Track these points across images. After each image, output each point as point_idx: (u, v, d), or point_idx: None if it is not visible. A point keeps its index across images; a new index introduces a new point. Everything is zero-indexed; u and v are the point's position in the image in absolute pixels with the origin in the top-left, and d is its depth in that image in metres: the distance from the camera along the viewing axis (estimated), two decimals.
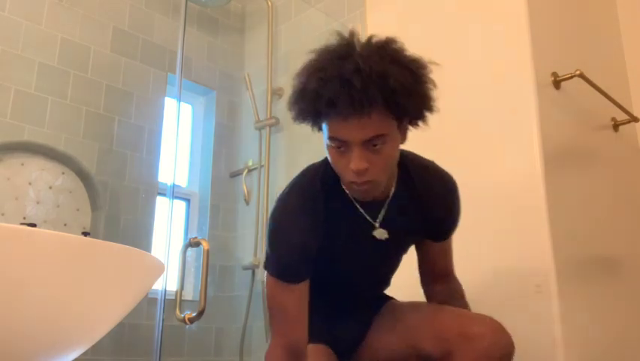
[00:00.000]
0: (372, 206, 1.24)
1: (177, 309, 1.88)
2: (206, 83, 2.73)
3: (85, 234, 2.09)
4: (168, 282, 1.88)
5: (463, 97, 1.84)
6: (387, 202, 1.24)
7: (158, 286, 1.82)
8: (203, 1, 2.71)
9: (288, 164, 2.53)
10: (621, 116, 2.08)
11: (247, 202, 2.60)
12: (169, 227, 1.93)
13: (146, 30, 2.48)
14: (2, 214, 1.94)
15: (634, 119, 2.09)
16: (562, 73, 1.77)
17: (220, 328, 2.49)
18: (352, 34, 1.12)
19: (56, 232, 0.88)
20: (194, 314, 1.86)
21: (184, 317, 1.87)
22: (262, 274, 2.30)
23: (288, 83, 2.70)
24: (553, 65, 1.78)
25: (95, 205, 2.17)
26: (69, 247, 0.89)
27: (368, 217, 1.24)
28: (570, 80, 1.78)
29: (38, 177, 2.05)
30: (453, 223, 1.33)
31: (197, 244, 1.96)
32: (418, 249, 1.38)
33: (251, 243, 2.49)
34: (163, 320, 1.84)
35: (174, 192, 2.10)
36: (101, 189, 2.19)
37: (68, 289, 0.90)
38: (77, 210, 2.13)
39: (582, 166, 1.84)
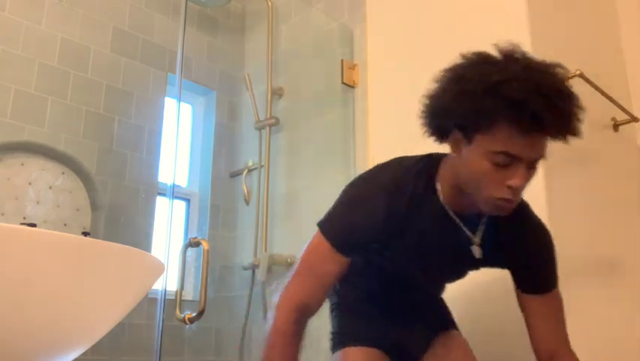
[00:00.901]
0: (469, 221, 1.21)
1: (177, 309, 1.88)
2: (206, 83, 2.73)
3: (85, 234, 2.09)
4: (168, 282, 1.88)
5: None
6: (484, 221, 1.22)
7: (158, 286, 1.82)
8: (203, 1, 2.71)
9: (288, 164, 2.53)
10: (621, 116, 2.08)
11: (247, 202, 2.60)
12: (169, 227, 1.93)
13: (146, 30, 2.48)
14: (2, 214, 1.94)
15: (634, 119, 2.09)
16: None
17: (220, 328, 2.49)
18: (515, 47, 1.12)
19: (56, 232, 0.88)
20: (194, 314, 1.86)
21: (184, 317, 1.87)
22: (262, 274, 2.31)
23: (288, 83, 2.71)
24: None
25: (95, 205, 2.17)
26: (69, 247, 0.89)
27: (467, 231, 1.21)
28: (570, 80, 1.77)
29: (38, 177, 2.05)
30: (551, 273, 1.27)
31: (197, 244, 1.96)
32: (522, 310, 1.30)
33: (251, 243, 2.49)
34: (163, 320, 1.84)
35: (174, 192, 2.10)
36: (101, 189, 2.19)
37: (68, 289, 0.90)
38: (77, 210, 2.13)
39: (582, 166, 1.84)
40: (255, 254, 2.44)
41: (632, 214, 2.06)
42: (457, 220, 1.20)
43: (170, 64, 2.48)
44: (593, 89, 1.84)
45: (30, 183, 2.03)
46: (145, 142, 2.37)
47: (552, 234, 1.55)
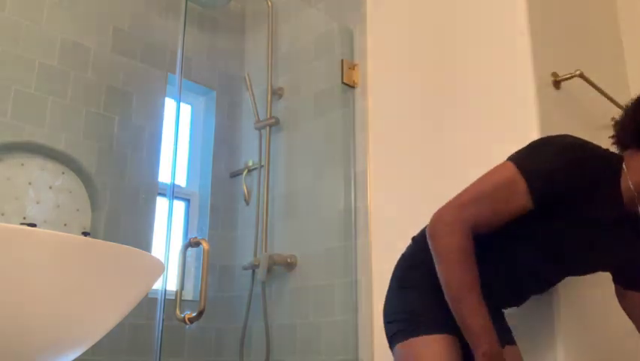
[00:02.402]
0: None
1: (177, 309, 1.88)
2: (206, 83, 2.73)
3: (85, 234, 2.09)
4: (168, 282, 1.88)
5: (463, 97, 1.84)
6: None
7: (158, 286, 1.82)
8: (203, 1, 2.71)
9: (288, 164, 2.53)
10: None
11: (247, 202, 2.60)
12: (169, 227, 1.93)
13: (146, 30, 2.48)
14: (2, 214, 1.94)
15: None
16: (562, 73, 1.77)
17: (220, 328, 2.49)
18: None
19: (56, 232, 0.88)
20: (194, 314, 1.86)
21: (184, 317, 1.87)
22: (262, 274, 2.31)
23: (288, 83, 2.71)
24: (553, 65, 1.78)
25: (95, 205, 2.17)
26: (69, 247, 0.89)
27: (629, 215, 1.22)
28: (570, 80, 1.78)
29: (38, 177, 2.05)
30: None
31: (197, 244, 1.96)
32: (625, 306, 1.41)
33: (251, 243, 2.49)
34: (163, 320, 1.84)
35: (174, 192, 2.10)
36: (101, 189, 2.19)
37: (68, 289, 0.90)
38: (77, 210, 2.13)
39: None
40: (255, 254, 2.44)
41: None
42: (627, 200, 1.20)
43: (170, 64, 2.48)
44: (593, 89, 1.84)
45: (30, 183, 2.03)
46: (145, 142, 2.37)
47: None
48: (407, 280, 1.32)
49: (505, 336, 1.35)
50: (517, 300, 1.38)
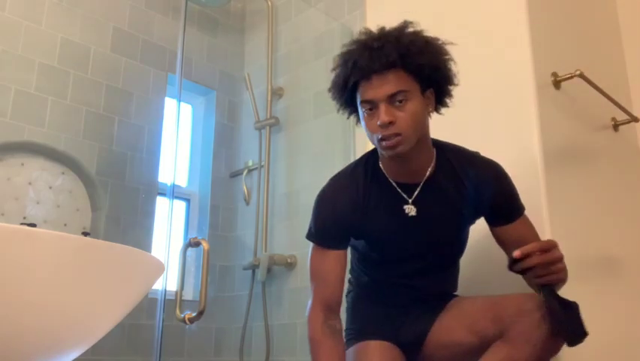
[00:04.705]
0: (409, 187, 1.37)
1: (177, 309, 1.88)
2: (206, 83, 2.73)
3: (85, 234, 2.09)
4: (168, 282, 1.88)
5: (462, 97, 1.83)
6: (421, 184, 1.36)
7: (158, 286, 1.82)
8: (203, 1, 2.71)
9: (288, 164, 2.53)
10: (621, 116, 2.08)
11: (247, 202, 2.60)
12: (169, 227, 1.93)
13: (146, 30, 2.48)
14: (2, 214, 1.94)
15: (634, 119, 2.09)
16: (562, 73, 1.77)
17: (220, 328, 2.49)
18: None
19: (56, 232, 0.88)
20: (194, 314, 1.86)
21: (184, 317, 1.87)
22: (262, 274, 2.31)
23: (288, 83, 2.71)
24: (553, 65, 1.78)
25: (95, 205, 2.17)
26: (69, 247, 0.89)
27: (403, 194, 1.36)
28: (570, 80, 1.78)
29: (38, 177, 2.05)
30: (515, 200, 1.41)
31: (197, 244, 1.96)
32: (500, 241, 1.42)
33: (251, 243, 2.49)
34: (163, 320, 1.84)
35: (174, 192, 2.10)
36: (101, 189, 2.19)
37: (68, 289, 0.90)
38: (77, 210, 2.13)
39: (582, 166, 1.84)
40: (255, 254, 2.44)
41: (632, 214, 2.06)
42: (397, 188, 1.36)
43: (170, 64, 2.48)
44: (593, 89, 1.84)
45: (30, 183, 2.03)
46: (145, 142, 2.37)
47: (552, 234, 1.55)
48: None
49: (440, 305, 1.46)
50: (419, 283, 1.47)
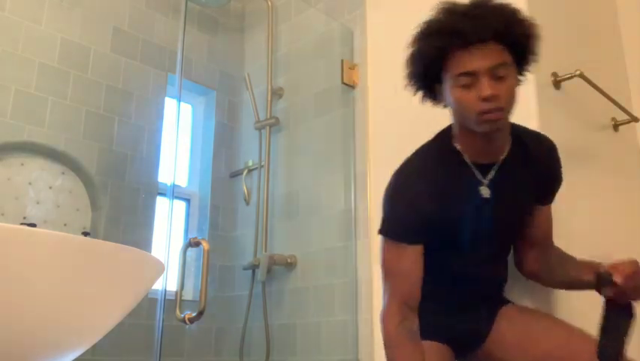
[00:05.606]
0: (485, 167, 1.32)
1: (177, 309, 1.88)
2: (206, 83, 2.73)
3: (85, 234, 2.09)
4: (168, 282, 1.88)
5: None
6: (497, 165, 1.32)
7: (158, 286, 1.82)
8: (203, 1, 2.71)
9: (288, 164, 2.53)
10: (621, 116, 2.08)
11: (247, 202, 2.60)
12: (169, 227, 1.93)
13: (146, 30, 2.48)
14: (2, 214, 1.94)
15: (634, 119, 2.09)
16: (562, 73, 1.77)
17: (220, 328, 2.49)
18: None
19: (56, 232, 0.88)
20: (194, 314, 1.86)
21: (184, 317, 1.87)
22: (262, 274, 2.31)
23: (288, 83, 2.71)
24: (553, 65, 1.78)
25: (95, 205, 2.17)
26: (69, 247, 0.89)
27: (479, 175, 1.32)
28: (570, 80, 1.78)
29: (38, 177, 2.05)
30: (560, 183, 1.43)
31: (197, 244, 1.96)
32: (524, 221, 1.41)
33: (251, 243, 2.49)
34: (163, 320, 1.84)
35: (174, 192, 2.10)
36: (101, 189, 2.19)
37: (68, 289, 0.90)
38: (77, 210, 2.13)
39: (582, 166, 1.84)
40: (255, 254, 2.44)
41: (632, 214, 2.06)
42: (473, 168, 1.31)
43: (170, 64, 2.48)
44: (593, 89, 1.84)
45: (30, 183, 2.03)
46: (145, 142, 2.37)
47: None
48: None
49: (495, 305, 1.45)
50: (479, 287, 1.44)
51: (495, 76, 1.19)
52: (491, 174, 1.32)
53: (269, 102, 2.59)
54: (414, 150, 1.38)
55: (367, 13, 2.28)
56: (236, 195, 2.67)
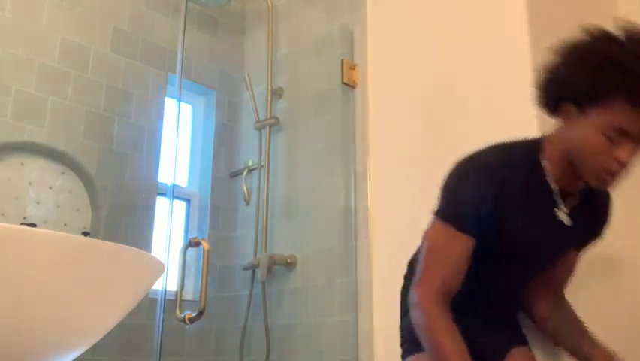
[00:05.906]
0: (563, 193, 1.27)
1: (177, 309, 1.88)
2: (206, 83, 2.73)
3: (85, 234, 2.09)
4: (168, 282, 1.88)
5: (462, 97, 1.84)
6: (577, 197, 1.29)
7: (158, 286, 1.83)
8: (203, 1, 2.71)
9: (288, 164, 2.53)
10: None
11: (247, 202, 2.60)
12: (169, 227, 1.93)
13: (146, 30, 2.48)
14: (2, 214, 1.94)
15: None
16: None
17: (220, 328, 2.49)
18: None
19: (56, 232, 0.89)
20: (194, 314, 1.86)
21: (184, 317, 1.87)
22: (262, 274, 2.31)
23: (288, 83, 2.71)
24: None
25: (95, 205, 2.17)
26: (69, 247, 0.89)
27: (557, 199, 1.27)
28: None
29: (38, 177, 2.06)
30: (601, 236, 1.42)
31: (197, 244, 1.96)
32: (559, 268, 1.40)
33: (251, 243, 2.49)
34: (163, 320, 1.85)
35: (174, 192, 2.10)
36: (101, 189, 2.19)
37: (68, 289, 0.90)
38: (77, 210, 2.13)
39: None
40: (255, 254, 2.44)
41: (631, 214, 2.06)
42: (552, 186, 1.25)
43: (170, 64, 2.48)
44: None
45: (30, 183, 2.03)
46: (145, 142, 2.37)
47: None
48: (405, 305, 1.43)
49: (513, 337, 1.42)
50: (504, 307, 1.43)
51: (638, 144, 1.13)
52: (571, 202, 1.29)
53: (269, 102, 2.59)
54: (491, 143, 1.32)
55: (367, 13, 2.28)
56: (236, 195, 2.67)
